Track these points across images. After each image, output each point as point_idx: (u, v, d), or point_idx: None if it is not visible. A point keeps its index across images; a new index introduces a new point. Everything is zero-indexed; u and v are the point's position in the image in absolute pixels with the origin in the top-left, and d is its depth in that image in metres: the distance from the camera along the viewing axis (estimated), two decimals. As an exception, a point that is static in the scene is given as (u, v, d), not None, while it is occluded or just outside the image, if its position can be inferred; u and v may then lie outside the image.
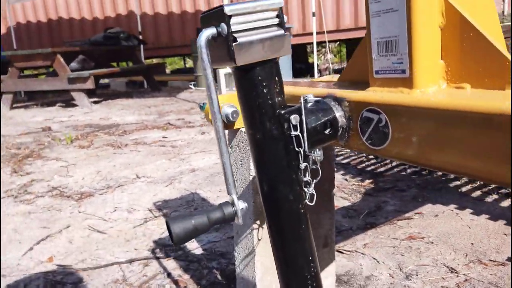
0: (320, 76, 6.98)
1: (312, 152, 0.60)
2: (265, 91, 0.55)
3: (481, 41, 0.49)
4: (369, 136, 0.58)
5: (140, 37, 7.37)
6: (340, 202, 1.61)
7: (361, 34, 6.83)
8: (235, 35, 0.51)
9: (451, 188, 1.65)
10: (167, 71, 10.59)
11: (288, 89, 0.73)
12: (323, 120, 0.60)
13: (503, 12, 5.76)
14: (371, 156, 2.09)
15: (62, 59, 5.19)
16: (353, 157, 2.14)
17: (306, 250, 0.61)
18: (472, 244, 1.21)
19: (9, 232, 1.51)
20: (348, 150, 2.23)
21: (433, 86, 0.53)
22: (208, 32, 0.52)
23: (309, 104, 0.61)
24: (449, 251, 1.18)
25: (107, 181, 2.05)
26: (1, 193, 1.97)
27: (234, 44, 0.50)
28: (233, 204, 0.59)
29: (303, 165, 0.58)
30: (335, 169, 2.02)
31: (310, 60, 8.72)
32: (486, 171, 0.46)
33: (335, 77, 1.00)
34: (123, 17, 8.31)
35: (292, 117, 0.56)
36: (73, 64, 6.62)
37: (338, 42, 9.83)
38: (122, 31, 6.56)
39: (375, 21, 0.56)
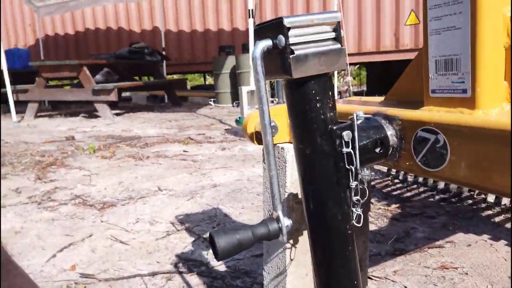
0: (340, 97, 6.96)
1: (361, 171, 0.58)
2: (318, 105, 0.54)
3: (553, 62, 0.47)
4: (424, 157, 0.56)
5: (164, 53, 7.53)
6: (366, 225, 1.56)
7: (382, 58, 6.83)
8: (292, 47, 0.50)
9: (483, 217, 1.59)
10: (187, 87, 10.74)
11: (347, 106, 0.72)
12: (374, 138, 0.59)
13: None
14: (397, 180, 2.05)
15: (88, 71, 5.33)
16: (378, 180, 2.09)
17: (351, 272, 0.58)
18: (509, 278, 1.15)
19: (33, 238, 1.51)
20: (372, 173, 2.18)
21: (495, 107, 0.51)
22: (264, 44, 0.52)
23: (359, 121, 0.59)
24: (486, 283, 1.12)
25: (129, 192, 2.05)
26: (25, 198, 1.99)
27: (291, 56, 0.50)
28: (278, 220, 0.57)
29: (353, 184, 0.56)
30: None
31: (329, 82, 8.71)
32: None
33: (359, 99, 0.99)
34: (148, 32, 8.53)
35: (344, 133, 0.55)
36: (98, 77, 6.78)
37: (358, 65, 9.84)
38: (147, 46, 6.71)
39: (434, 39, 0.55)
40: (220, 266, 1.27)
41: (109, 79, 7.23)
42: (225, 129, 4.01)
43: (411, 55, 6.35)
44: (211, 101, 6.79)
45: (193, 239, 1.47)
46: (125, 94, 8.22)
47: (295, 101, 0.55)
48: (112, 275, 1.23)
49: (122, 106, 7.00)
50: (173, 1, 8.18)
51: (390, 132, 0.60)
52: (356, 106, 0.70)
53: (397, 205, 1.75)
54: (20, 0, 8.19)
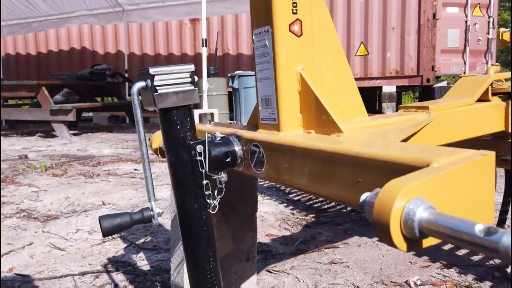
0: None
1: (218, 174, 0.82)
2: (179, 127, 0.77)
3: (318, 103, 0.73)
4: (254, 164, 0.80)
5: (126, 74, 7.67)
6: (282, 232, 1.80)
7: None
8: (157, 87, 0.74)
9: (380, 224, 1.87)
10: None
11: (214, 128, 0.96)
12: (224, 151, 0.83)
13: None
14: (318, 194, 2.31)
15: (46, 91, 5.40)
16: (304, 195, 2.35)
17: (207, 248, 0.81)
18: (381, 269, 1.41)
19: (-25, 247, 1.64)
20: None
21: (294, 130, 0.77)
22: (139, 84, 0.75)
23: (217, 139, 0.84)
24: (360, 274, 1.38)
25: (74, 207, 2.20)
26: (-29, 213, 2.10)
27: (155, 94, 0.74)
28: (152, 209, 0.79)
29: (204, 182, 0.79)
30: (286, 205, 2.23)
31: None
32: (329, 193, 0.67)
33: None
34: (111, 54, 8.66)
35: (197, 146, 0.78)
36: (58, 97, 6.81)
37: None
38: (108, 68, 6.85)
39: (260, 84, 0.80)
40: (145, 266, 1.46)
41: (70, 99, 7.26)
42: (179, 150, 4.19)
43: (360, 84, 6.83)
44: (171, 122, 6.94)
45: (126, 245, 1.65)
46: (87, 114, 8.25)
47: (163, 124, 0.78)
48: (46, 275, 1.39)
49: (82, 126, 7.04)
50: (137, 25, 8.40)
51: (238, 147, 0.84)
52: (220, 128, 0.94)
53: (313, 215, 2.01)
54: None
